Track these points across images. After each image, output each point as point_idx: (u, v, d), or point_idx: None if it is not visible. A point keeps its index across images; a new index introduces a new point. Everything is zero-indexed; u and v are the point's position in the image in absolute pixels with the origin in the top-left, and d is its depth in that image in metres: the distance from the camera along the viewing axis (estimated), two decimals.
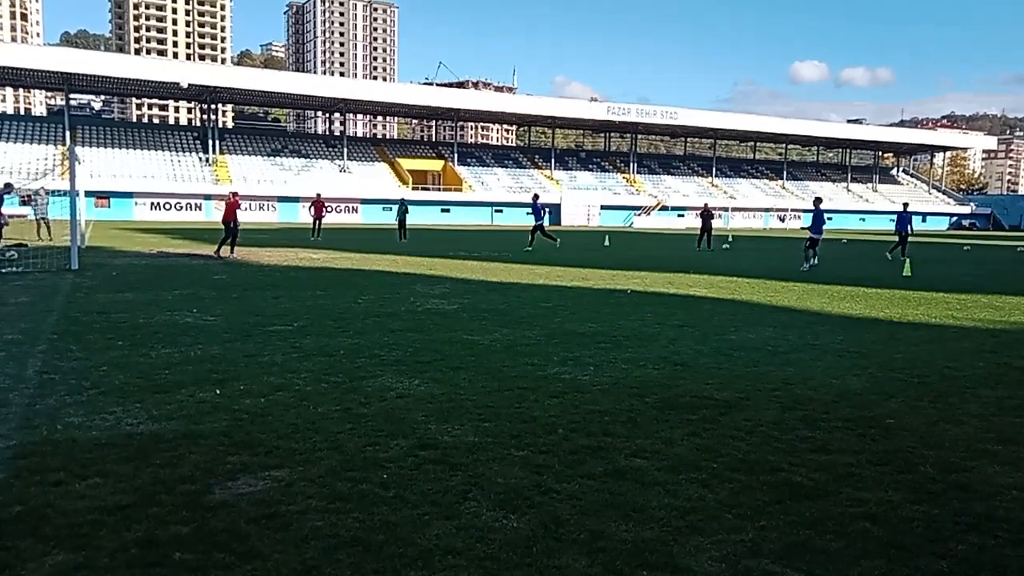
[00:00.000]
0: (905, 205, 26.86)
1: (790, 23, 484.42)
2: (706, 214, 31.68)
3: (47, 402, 5.81)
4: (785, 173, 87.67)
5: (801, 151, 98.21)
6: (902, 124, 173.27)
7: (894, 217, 29.93)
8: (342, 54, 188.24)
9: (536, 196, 28.84)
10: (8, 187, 22.67)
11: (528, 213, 26.13)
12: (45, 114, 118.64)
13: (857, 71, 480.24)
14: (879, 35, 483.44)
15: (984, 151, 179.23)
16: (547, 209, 24.87)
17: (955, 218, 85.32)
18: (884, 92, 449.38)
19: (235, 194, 22.97)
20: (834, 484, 4.43)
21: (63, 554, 3.39)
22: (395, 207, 29.15)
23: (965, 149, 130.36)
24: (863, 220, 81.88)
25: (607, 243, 33.62)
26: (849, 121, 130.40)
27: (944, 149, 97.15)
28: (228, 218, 21.69)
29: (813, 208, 22.43)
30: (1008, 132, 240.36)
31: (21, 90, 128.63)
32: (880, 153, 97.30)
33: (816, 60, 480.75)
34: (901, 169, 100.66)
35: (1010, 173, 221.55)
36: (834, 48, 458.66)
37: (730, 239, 38.18)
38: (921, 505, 4.15)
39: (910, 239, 25.19)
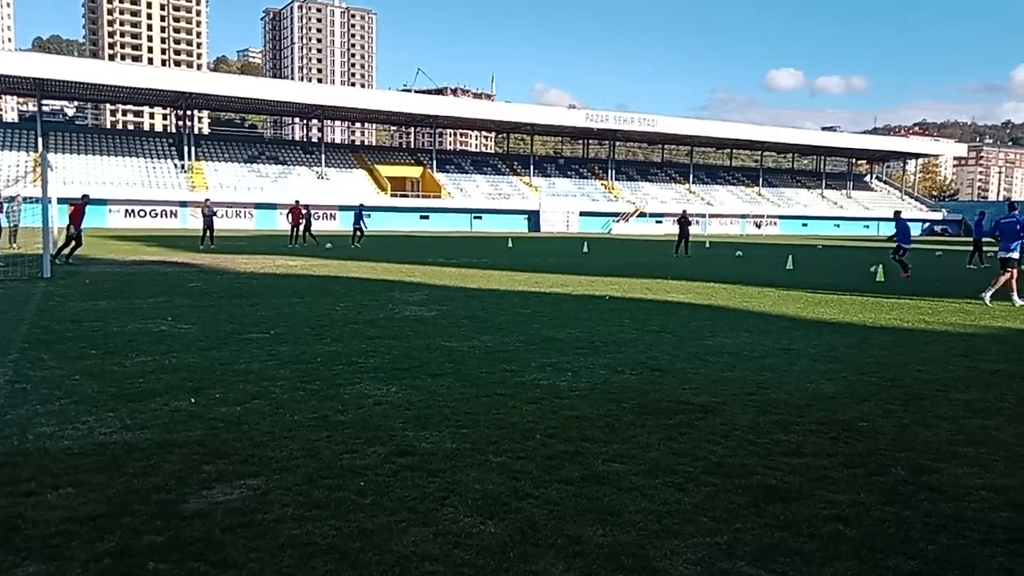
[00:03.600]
0: (981, 214, 27.72)
1: (766, 31, 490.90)
2: (684, 221, 32.03)
3: (18, 412, 5.73)
4: (761, 180, 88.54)
5: (777, 158, 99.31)
6: (875, 131, 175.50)
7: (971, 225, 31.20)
8: (320, 60, 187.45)
9: (361, 204, 35.49)
10: None
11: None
12: (17, 120, 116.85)
13: (832, 79, 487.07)
14: (853, 44, 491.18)
15: (955, 158, 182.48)
16: (363, 216, 34.29)
17: (927, 224, 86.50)
18: (858, 100, 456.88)
19: (84, 196, 20.78)
20: (808, 487, 4.49)
21: (34, 565, 3.34)
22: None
23: (936, 156, 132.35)
24: (838, 226, 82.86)
25: (586, 249, 33.78)
26: (824, 128, 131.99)
27: (916, 156, 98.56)
28: (75, 225, 19.54)
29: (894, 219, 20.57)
30: (978, 139, 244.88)
31: None
32: (854, 160, 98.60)
33: (792, 68, 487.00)
34: (874, 176, 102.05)
35: (980, 180, 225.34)
36: (809, 56, 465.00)
37: (707, 245, 38.48)
38: (892, 507, 4.22)
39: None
